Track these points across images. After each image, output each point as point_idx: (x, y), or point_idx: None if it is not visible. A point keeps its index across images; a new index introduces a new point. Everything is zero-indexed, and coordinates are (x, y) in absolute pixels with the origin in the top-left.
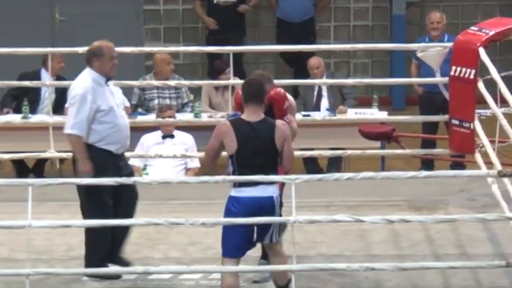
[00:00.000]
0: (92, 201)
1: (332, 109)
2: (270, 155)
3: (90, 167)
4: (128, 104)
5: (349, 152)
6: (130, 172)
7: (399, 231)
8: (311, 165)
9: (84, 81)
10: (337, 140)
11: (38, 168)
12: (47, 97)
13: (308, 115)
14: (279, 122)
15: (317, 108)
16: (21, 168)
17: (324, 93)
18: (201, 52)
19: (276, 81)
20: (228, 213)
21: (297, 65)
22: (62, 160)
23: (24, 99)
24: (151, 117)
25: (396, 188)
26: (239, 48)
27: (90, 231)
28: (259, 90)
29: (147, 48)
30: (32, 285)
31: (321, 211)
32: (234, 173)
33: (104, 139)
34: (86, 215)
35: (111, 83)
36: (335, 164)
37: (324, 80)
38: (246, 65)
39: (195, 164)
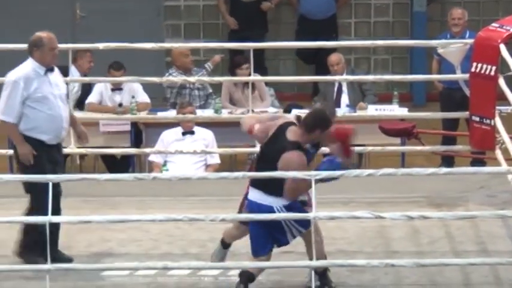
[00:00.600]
0: (39, 198)
1: (352, 105)
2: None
3: (30, 149)
4: (146, 99)
5: (369, 148)
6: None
7: (419, 227)
8: None
9: (20, 70)
10: (357, 136)
11: None
12: (73, 93)
13: None
14: (289, 152)
15: (337, 104)
16: None
17: (344, 89)
18: (221, 48)
19: (296, 78)
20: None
21: (315, 61)
22: (82, 156)
23: None
24: (171, 114)
25: (416, 184)
26: (259, 44)
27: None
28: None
29: (167, 45)
30: (52, 281)
31: (340, 207)
32: None
33: (36, 128)
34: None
35: (55, 73)
36: (355, 161)
37: (344, 77)
38: (266, 61)
39: (215, 160)
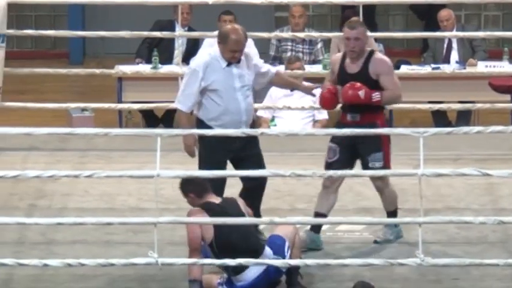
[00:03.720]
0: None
1: (462, 62)
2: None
3: (193, 141)
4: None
5: (479, 105)
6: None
7: None
8: (440, 118)
9: (202, 58)
10: (466, 93)
11: (167, 118)
12: (177, 47)
13: (438, 68)
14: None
15: (447, 60)
16: (151, 118)
17: (454, 45)
18: (330, 4)
19: (405, 34)
20: None
21: (428, 17)
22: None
23: (155, 49)
24: (281, 69)
25: None
26: (369, 0)
27: None
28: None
29: (276, 0)
30: (160, 235)
31: (449, 164)
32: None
33: (214, 119)
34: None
35: (241, 64)
36: (464, 118)
37: (454, 33)
38: (376, 17)
39: (323, 115)
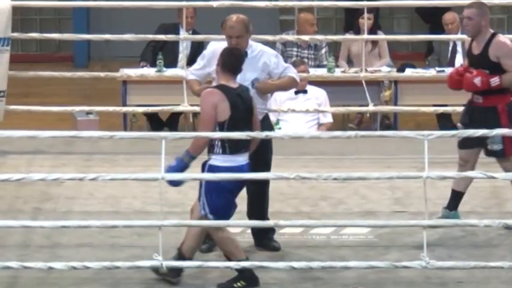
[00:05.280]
0: None
1: None
2: (251, 122)
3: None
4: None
5: None
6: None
7: None
8: (445, 121)
9: (214, 44)
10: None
11: (172, 122)
12: (181, 51)
13: (442, 71)
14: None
15: (451, 64)
16: (155, 122)
17: (459, 48)
18: (335, 7)
19: (410, 37)
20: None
21: (432, 20)
22: (195, 114)
23: (159, 52)
24: None
25: None
26: (374, 3)
27: None
28: (240, 62)
29: (281, 3)
30: (164, 238)
31: (453, 167)
32: (221, 141)
33: None
34: None
35: (247, 59)
36: None
37: (459, 36)
38: (380, 19)
39: (328, 119)
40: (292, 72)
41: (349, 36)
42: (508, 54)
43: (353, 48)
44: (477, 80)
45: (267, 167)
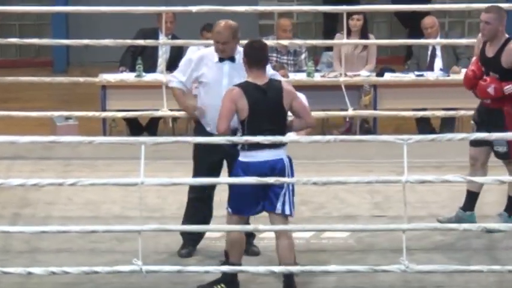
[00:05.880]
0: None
1: (446, 69)
2: (279, 118)
3: (193, 109)
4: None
5: (462, 112)
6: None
7: None
8: (424, 125)
9: (202, 51)
10: (450, 100)
11: (152, 127)
12: (161, 56)
13: (421, 75)
14: (284, 83)
15: (430, 68)
16: (135, 127)
17: (438, 53)
18: (314, 11)
19: (390, 41)
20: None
21: (411, 24)
22: (175, 118)
23: (139, 57)
24: None
25: None
26: (353, 7)
27: None
28: (264, 53)
29: (260, 8)
30: (144, 243)
31: (433, 171)
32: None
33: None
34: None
35: (236, 64)
36: (448, 125)
37: (438, 40)
38: None
39: None
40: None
41: (330, 41)
42: None
43: (343, 51)
44: (490, 89)
45: None
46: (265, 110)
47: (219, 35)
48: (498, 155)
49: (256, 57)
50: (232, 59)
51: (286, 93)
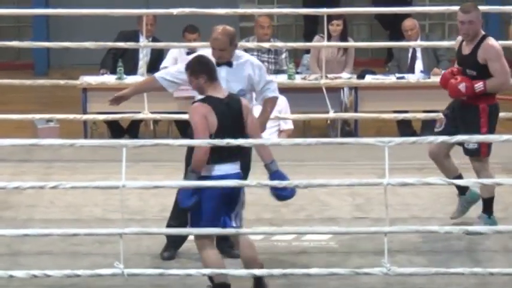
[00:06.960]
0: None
1: (426, 71)
2: (242, 130)
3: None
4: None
5: None
6: None
7: None
8: (405, 128)
9: (198, 53)
10: (431, 103)
11: (133, 129)
12: (141, 58)
13: (402, 77)
14: (242, 98)
15: (411, 70)
16: (116, 129)
17: (419, 55)
18: (295, 14)
19: (370, 44)
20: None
21: (392, 27)
22: (156, 121)
23: (119, 60)
24: None
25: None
26: (333, 10)
27: None
28: (214, 65)
29: (240, 10)
30: (125, 246)
31: (414, 174)
32: (211, 152)
33: None
34: None
35: (233, 69)
36: (429, 127)
37: (419, 42)
38: None
39: (288, 125)
40: (272, 91)
41: (311, 44)
42: (495, 57)
43: (323, 54)
44: (461, 86)
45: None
46: (231, 124)
47: (216, 41)
48: (468, 151)
49: (212, 71)
50: (229, 64)
51: (245, 106)
